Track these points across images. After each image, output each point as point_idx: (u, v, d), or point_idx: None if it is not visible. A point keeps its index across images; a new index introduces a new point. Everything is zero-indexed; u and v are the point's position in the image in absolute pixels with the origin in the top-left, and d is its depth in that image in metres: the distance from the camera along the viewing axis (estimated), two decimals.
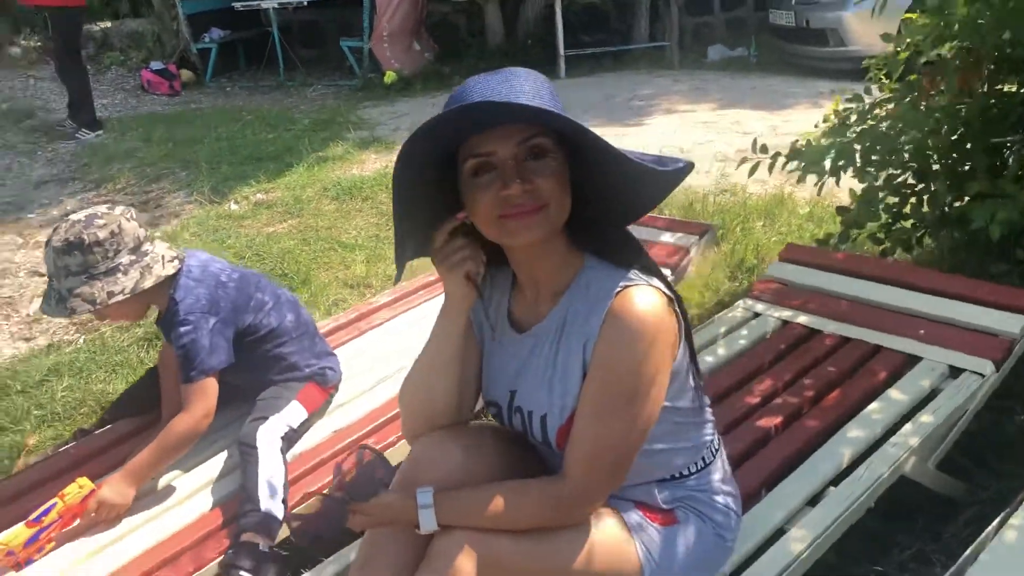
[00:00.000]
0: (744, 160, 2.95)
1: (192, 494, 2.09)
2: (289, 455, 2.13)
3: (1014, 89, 2.75)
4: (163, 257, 2.08)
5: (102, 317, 2.10)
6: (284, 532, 1.95)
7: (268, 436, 2.08)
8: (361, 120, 7.21)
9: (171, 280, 2.08)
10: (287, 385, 2.25)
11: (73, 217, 2.01)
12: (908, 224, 2.96)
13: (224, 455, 2.19)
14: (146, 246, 2.06)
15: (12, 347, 3.72)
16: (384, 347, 2.61)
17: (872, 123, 2.92)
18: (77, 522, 2.00)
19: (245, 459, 2.01)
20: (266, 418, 2.12)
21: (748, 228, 4.04)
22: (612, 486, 1.42)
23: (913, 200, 2.93)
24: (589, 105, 6.98)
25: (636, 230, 1.51)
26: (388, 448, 2.14)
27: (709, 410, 1.57)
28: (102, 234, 1.98)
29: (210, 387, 2.06)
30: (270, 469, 2.00)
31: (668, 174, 1.36)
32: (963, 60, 2.73)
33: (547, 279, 1.44)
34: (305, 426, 2.23)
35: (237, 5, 9.34)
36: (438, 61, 9.50)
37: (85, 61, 7.70)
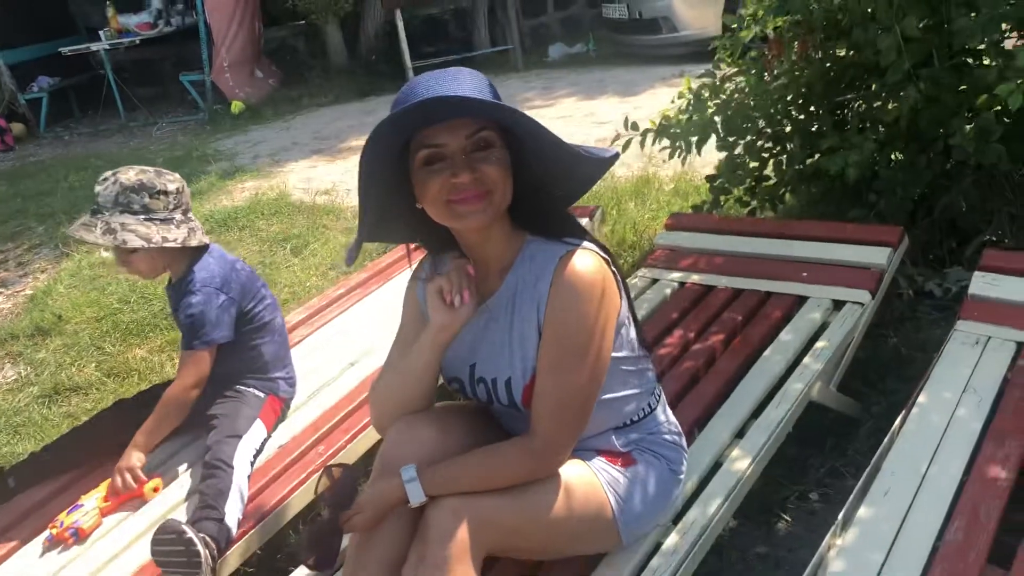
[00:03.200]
0: (617, 137, 3.16)
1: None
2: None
3: (843, 53, 3.07)
4: (200, 229, 2.28)
5: (126, 264, 2.23)
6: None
7: (242, 457, 2.13)
8: (218, 152, 7.10)
9: (194, 253, 2.27)
10: (246, 398, 2.29)
11: (141, 167, 2.21)
12: (770, 184, 3.25)
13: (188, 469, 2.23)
14: (191, 215, 2.27)
15: None
16: (310, 361, 2.66)
17: (725, 97, 3.19)
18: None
19: (216, 474, 2.04)
20: (239, 437, 2.17)
21: (623, 209, 4.29)
22: (577, 434, 1.56)
23: (772, 162, 3.23)
24: None
25: None
26: (340, 451, 2.21)
27: (648, 359, 1.74)
28: (171, 187, 2.20)
29: (206, 359, 2.24)
30: (240, 486, 2.05)
31: (599, 160, 1.52)
32: (797, 31, 3.04)
33: (495, 257, 1.57)
34: (263, 446, 2.28)
35: (64, 50, 8.97)
36: (284, 86, 9.45)
37: None
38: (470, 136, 1.40)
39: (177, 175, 2.26)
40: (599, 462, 1.65)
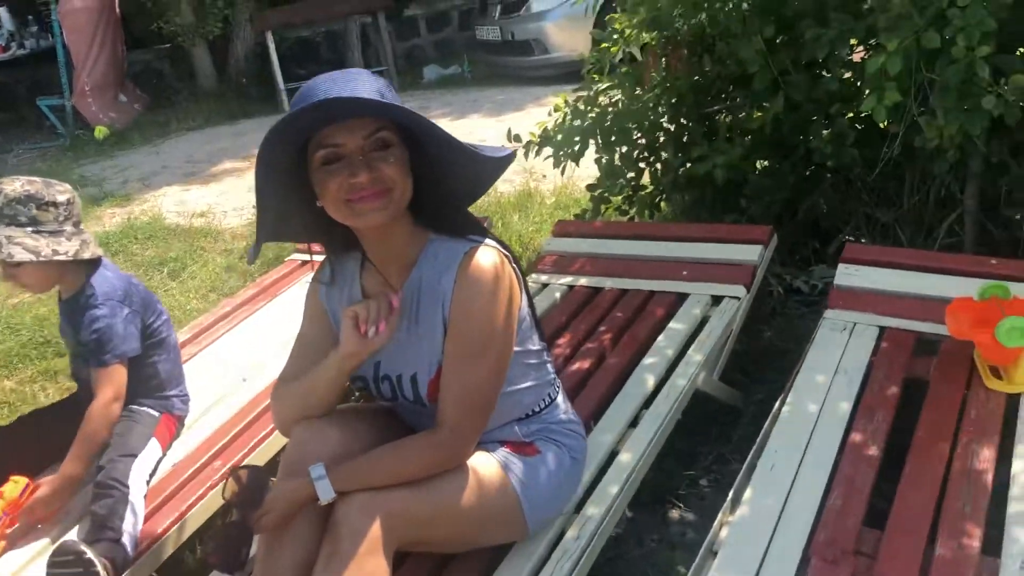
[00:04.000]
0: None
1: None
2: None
3: (708, 67, 3.25)
4: (93, 242, 2.18)
5: (12, 278, 2.12)
6: None
7: (138, 475, 2.07)
8: (83, 178, 6.82)
9: (88, 267, 2.18)
10: (139, 416, 2.22)
11: (28, 178, 2.11)
12: (647, 192, 3.40)
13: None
14: (82, 227, 2.18)
15: None
16: (201, 379, 2.61)
17: (600, 109, 3.33)
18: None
19: (111, 494, 1.98)
20: (135, 456, 2.11)
21: (507, 221, 4.37)
22: (482, 425, 1.61)
23: (648, 171, 3.38)
24: None
25: None
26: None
27: (547, 351, 1.80)
28: (61, 198, 2.10)
29: (121, 372, 2.16)
30: (136, 507, 1.99)
31: (496, 160, 1.57)
32: (667, 46, 3.20)
33: (398, 255, 1.60)
34: (158, 465, 2.22)
35: None
36: (150, 111, 9.16)
37: None
38: (368, 136, 1.43)
39: (67, 186, 2.16)
40: (503, 452, 1.70)
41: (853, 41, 2.82)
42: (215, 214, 5.35)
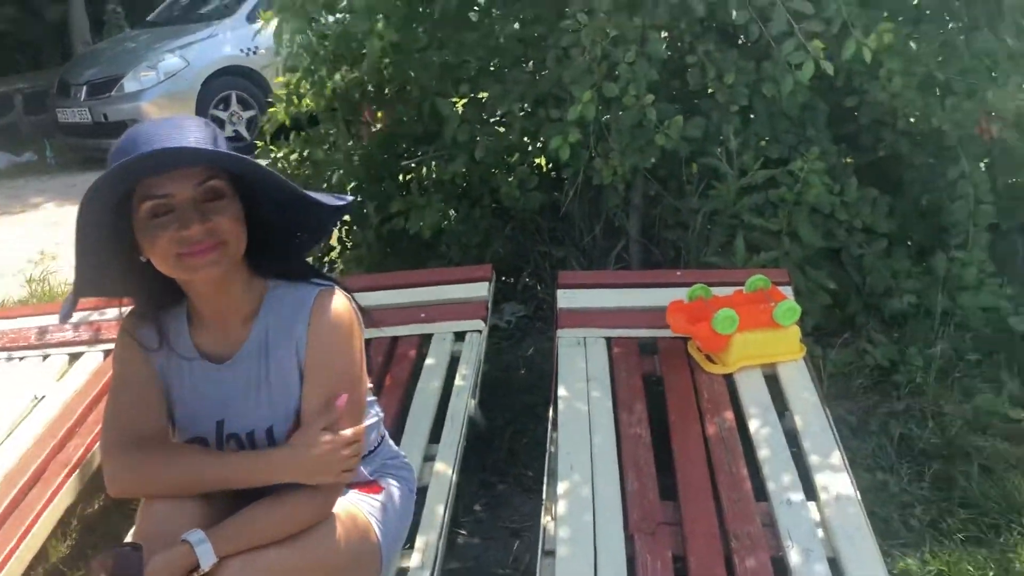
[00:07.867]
0: None
1: None
2: None
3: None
4: None
5: None
6: None
7: None
8: None
9: None
10: None
11: None
12: (356, 250, 3.48)
13: None
14: None
15: None
16: None
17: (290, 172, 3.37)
18: None
19: None
20: None
21: None
22: None
23: (345, 227, 3.47)
24: None
25: None
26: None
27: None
28: None
29: None
30: None
31: (332, 208, 1.55)
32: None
33: (235, 307, 1.52)
34: None
35: None
36: None
37: None
38: (199, 185, 1.37)
39: None
40: (354, 495, 1.67)
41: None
42: None
